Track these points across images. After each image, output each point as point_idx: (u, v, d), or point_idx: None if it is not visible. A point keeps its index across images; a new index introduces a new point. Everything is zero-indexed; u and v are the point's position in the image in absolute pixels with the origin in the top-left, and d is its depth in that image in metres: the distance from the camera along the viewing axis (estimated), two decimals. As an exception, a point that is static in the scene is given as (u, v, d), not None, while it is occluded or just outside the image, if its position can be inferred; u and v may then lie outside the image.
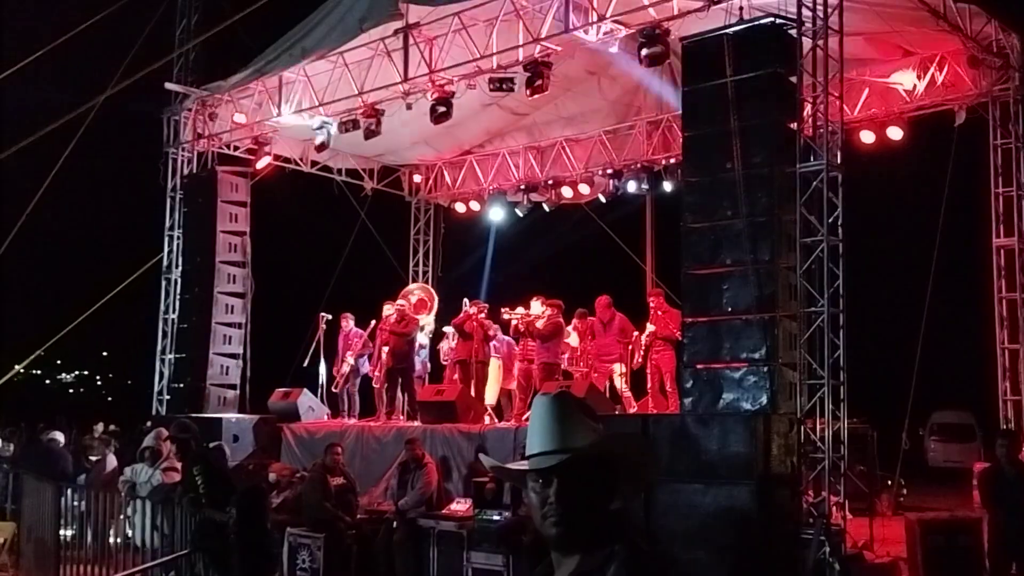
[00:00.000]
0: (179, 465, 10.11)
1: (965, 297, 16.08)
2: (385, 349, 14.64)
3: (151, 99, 16.87)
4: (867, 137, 13.77)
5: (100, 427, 19.86)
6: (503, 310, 13.91)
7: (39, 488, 11.92)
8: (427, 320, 15.47)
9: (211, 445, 9.73)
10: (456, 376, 14.56)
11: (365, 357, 15.41)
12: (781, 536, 9.31)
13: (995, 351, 13.08)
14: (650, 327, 13.29)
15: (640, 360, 13.57)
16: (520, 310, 13.74)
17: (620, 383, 13.52)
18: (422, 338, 15.30)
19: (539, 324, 13.30)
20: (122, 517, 10.45)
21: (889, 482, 15.07)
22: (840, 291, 9.96)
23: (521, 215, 18.44)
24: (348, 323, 15.50)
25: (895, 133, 13.73)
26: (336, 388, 15.36)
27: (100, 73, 14.55)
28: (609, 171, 16.81)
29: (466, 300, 14.71)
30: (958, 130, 13.36)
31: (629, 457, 2.37)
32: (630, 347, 13.63)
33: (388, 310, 14.97)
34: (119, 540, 10.34)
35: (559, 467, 2.26)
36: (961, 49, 12.83)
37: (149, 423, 14.98)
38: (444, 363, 15.38)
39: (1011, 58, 12.89)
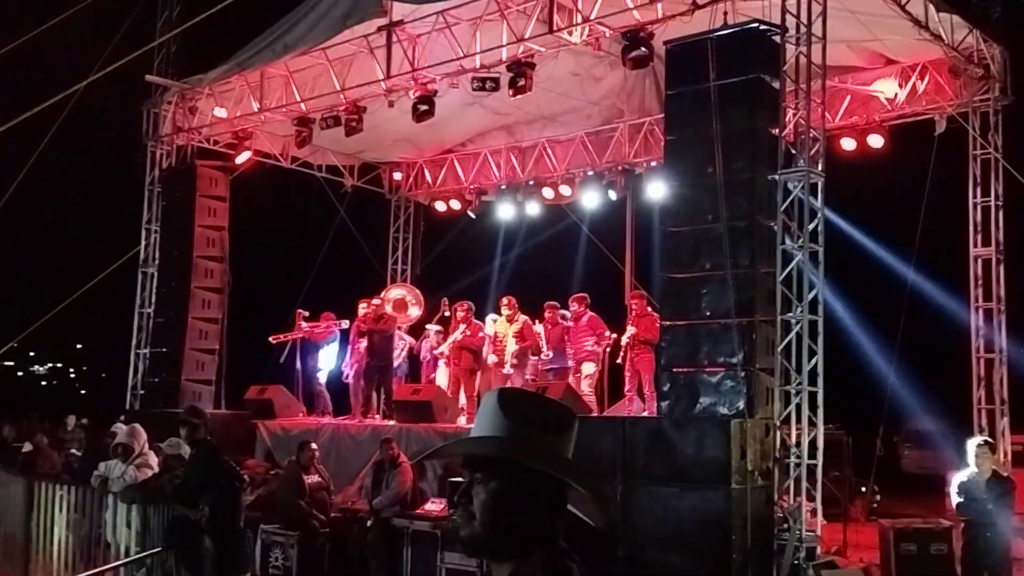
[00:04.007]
0: (153, 461, 10.02)
1: (942, 305, 16.18)
2: (362, 345, 14.65)
3: (131, 91, 16.75)
4: (848, 144, 13.82)
5: (72, 420, 19.65)
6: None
7: (9, 482, 11.79)
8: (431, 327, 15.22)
9: (167, 442, 9.60)
10: (432, 376, 14.57)
11: (329, 347, 15.32)
12: (756, 541, 9.32)
13: (971, 359, 13.16)
14: (631, 329, 13.28)
15: (620, 361, 13.54)
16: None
17: (584, 385, 13.34)
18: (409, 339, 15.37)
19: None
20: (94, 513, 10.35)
21: (863, 488, 15.17)
22: (818, 297, 9.99)
23: (501, 215, 18.39)
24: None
25: (876, 141, 13.78)
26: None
27: (79, 64, 14.42)
28: (590, 173, 16.79)
29: (444, 300, 14.69)
30: (938, 139, 13.43)
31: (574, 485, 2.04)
32: (604, 348, 13.58)
33: (364, 308, 14.92)
34: (91, 537, 10.24)
35: (473, 458, 2.03)
36: (943, 59, 12.91)
37: (123, 417, 14.85)
38: (423, 361, 15.34)
39: (991, 69, 12.97)
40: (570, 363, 13.72)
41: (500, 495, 2.01)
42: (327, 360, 15.41)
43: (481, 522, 2.03)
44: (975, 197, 13.22)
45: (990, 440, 11.75)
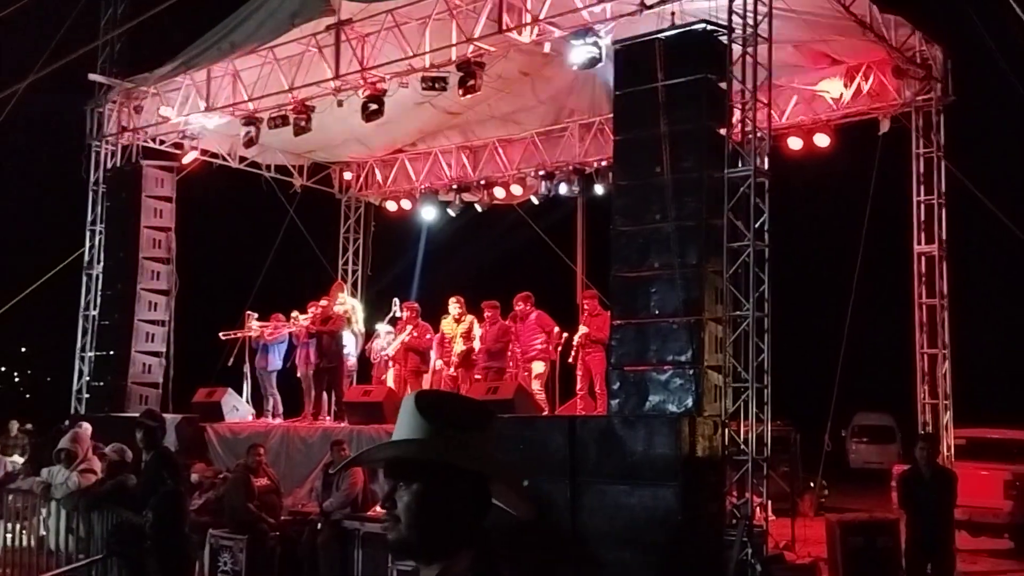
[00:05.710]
0: (97, 466, 9.83)
1: (886, 302, 16.43)
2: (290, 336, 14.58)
3: (75, 90, 16.47)
4: (794, 144, 13.97)
5: (15, 426, 19.25)
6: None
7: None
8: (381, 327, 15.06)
9: (111, 447, 9.43)
10: (383, 377, 14.48)
11: (276, 351, 15.17)
12: (705, 537, 9.39)
13: (915, 355, 13.37)
14: (583, 328, 13.28)
15: (572, 360, 13.52)
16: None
17: (536, 384, 13.21)
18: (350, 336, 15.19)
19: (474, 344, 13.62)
20: (37, 519, 10.15)
21: (811, 483, 15.37)
22: (765, 295, 10.08)
23: (453, 215, 18.37)
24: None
25: (822, 140, 13.95)
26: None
27: (22, 62, 14.17)
28: (541, 172, 16.81)
29: (396, 300, 14.61)
30: (882, 138, 13.64)
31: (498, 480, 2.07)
32: (554, 346, 13.51)
33: (312, 310, 14.75)
34: (33, 543, 10.05)
35: (394, 462, 2.05)
36: (886, 59, 13.10)
37: (67, 422, 14.58)
38: (374, 361, 15.23)
39: (933, 69, 13.19)
40: (509, 362, 13.68)
41: (423, 496, 2.02)
42: (277, 362, 15.26)
43: (406, 524, 2.03)
44: (918, 195, 13.43)
45: (932, 435, 12.00)
